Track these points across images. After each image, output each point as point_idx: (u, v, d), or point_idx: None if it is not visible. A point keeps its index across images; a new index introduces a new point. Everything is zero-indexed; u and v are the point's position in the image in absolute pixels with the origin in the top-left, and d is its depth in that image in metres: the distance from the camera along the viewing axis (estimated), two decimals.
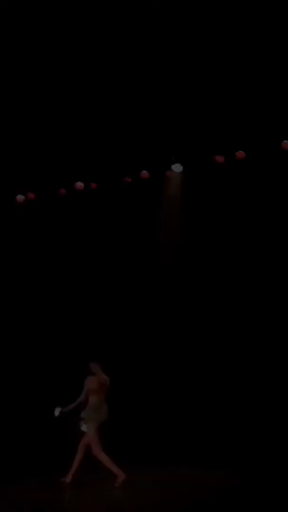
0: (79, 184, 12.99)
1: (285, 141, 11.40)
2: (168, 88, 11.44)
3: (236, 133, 11.61)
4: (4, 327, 13.31)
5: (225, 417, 11.63)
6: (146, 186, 12.65)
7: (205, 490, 9.87)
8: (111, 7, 10.42)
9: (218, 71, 11.05)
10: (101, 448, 9.92)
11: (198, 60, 11.04)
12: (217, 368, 11.81)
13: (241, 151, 11.74)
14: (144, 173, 12.59)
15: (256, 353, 11.48)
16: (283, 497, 9.25)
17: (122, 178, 12.71)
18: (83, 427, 9.98)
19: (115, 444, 10.11)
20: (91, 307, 12.64)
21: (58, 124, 12.30)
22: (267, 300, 11.57)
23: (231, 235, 11.91)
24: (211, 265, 12.06)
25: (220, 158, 11.94)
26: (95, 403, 10.00)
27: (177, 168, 12.33)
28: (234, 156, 11.79)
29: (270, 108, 11.16)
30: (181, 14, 10.61)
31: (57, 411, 10.04)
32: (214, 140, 11.84)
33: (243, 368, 11.61)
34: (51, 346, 13.00)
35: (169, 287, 12.27)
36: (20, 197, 13.51)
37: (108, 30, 11.03)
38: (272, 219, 11.62)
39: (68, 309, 12.81)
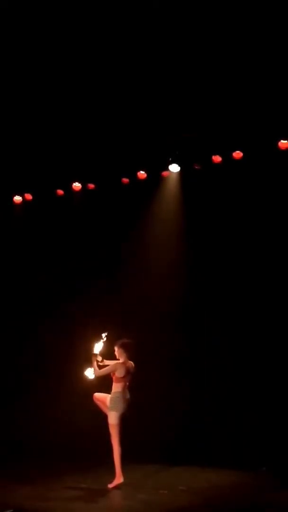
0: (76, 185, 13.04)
1: (282, 141, 11.44)
2: (165, 88, 11.45)
3: (233, 133, 11.62)
4: (4, 327, 13.33)
5: (228, 415, 11.70)
6: (143, 186, 12.66)
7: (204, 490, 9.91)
8: (111, 7, 10.44)
9: (215, 72, 11.06)
10: (120, 441, 9.90)
11: (195, 61, 11.05)
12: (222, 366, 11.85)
13: (238, 151, 11.76)
14: (141, 174, 12.61)
15: (259, 353, 11.50)
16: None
17: (119, 178, 12.72)
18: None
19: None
20: (91, 307, 12.64)
21: (55, 125, 12.29)
22: (267, 301, 11.59)
23: (229, 235, 11.93)
24: (209, 265, 12.08)
25: (217, 158, 11.96)
26: (119, 391, 9.95)
27: (174, 168, 12.33)
28: (231, 156, 11.82)
29: (267, 108, 11.17)
30: (178, 22, 10.65)
31: (89, 373, 10.01)
32: (212, 140, 11.85)
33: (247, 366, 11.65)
34: (48, 349, 13.03)
35: (168, 287, 12.27)
36: (17, 198, 13.54)
37: (105, 33, 11.05)
38: (270, 218, 11.64)
39: (67, 309, 12.82)
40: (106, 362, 10.16)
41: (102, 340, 10.19)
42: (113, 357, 10.20)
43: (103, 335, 10.20)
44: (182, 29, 10.69)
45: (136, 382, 10.24)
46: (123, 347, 10.09)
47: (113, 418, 9.92)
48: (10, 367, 13.19)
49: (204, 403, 11.82)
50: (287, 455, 10.79)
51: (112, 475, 10.00)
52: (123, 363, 10.03)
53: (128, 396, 10.04)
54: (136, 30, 10.77)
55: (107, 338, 10.23)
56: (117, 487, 9.90)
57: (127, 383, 10.05)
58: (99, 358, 10.12)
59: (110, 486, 9.93)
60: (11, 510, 8.78)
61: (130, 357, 10.11)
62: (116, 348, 10.11)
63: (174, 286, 12.19)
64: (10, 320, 13.34)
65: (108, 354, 10.27)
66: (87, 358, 10.26)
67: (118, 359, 10.09)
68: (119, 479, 9.93)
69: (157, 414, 11.89)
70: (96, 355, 10.10)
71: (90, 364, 10.13)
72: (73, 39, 11.05)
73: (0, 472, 10.85)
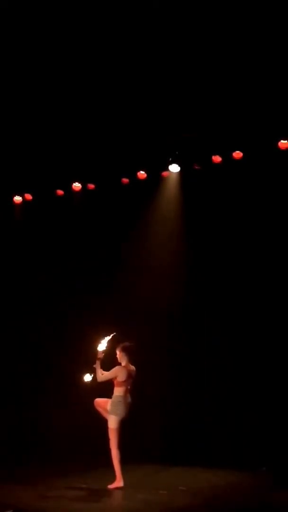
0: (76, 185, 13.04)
1: (281, 141, 11.44)
2: (165, 89, 11.44)
3: (233, 133, 11.62)
4: (4, 327, 13.33)
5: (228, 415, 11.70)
6: (143, 187, 12.66)
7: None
8: (111, 6, 10.43)
9: (215, 72, 11.06)
10: (118, 445, 9.84)
11: (195, 61, 11.05)
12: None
13: (238, 151, 11.77)
14: (141, 174, 12.61)
15: (259, 354, 11.50)
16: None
17: (119, 178, 12.72)
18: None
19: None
20: (90, 307, 12.63)
21: (55, 125, 12.28)
22: (267, 301, 11.60)
23: (229, 235, 11.93)
24: (209, 265, 12.08)
25: (217, 158, 11.97)
26: (120, 395, 9.86)
27: (174, 168, 12.34)
28: (231, 156, 11.82)
29: (266, 108, 11.17)
30: (178, 22, 10.64)
31: (87, 377, 9.97)
32: (211, 140, 11.86)
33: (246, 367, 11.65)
34: (47, 350, 13.02)
35: (168, 287, 12.26)
36: (17, 198, 13.54)
37: (106, 32, 11.04)
38: (270, 218, 11.64)
39: (67, 310, 12.81)
40: (105, 373, 10.04)
41: (105, 343, 10.12)
42: (114, 361, 10.11)
43: (107, 337, 10.12)
44: (182, 29, 10.68)
45: (136, 382, 10.21)
46: (125, 350, 9.99)
47: (112, 422, 9.84)
48: (10, 367, 13.18)
49: (204, 403, 11.82)
50: (287, 455, 10.80)
51: (112, 475, 9.97)
52: (125, 367, 9.95)
53: (129, 400, 9.94)
54: (136, 30, 10.76)
55: (109, 341, 10.13)
56: (117, 489, 9.87)
57: (129, 387, 9.97)
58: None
59: (110, 487, 9.90)
60: (11, 511, 8.77)
61: (131, 361, 10.05)
62: (117, 352, 10.03)
63: (174, 286, 12.18)
64: (10, 320, 13.33)
65: (109, 359, 10.19)
66: (86, 359, 10.23)
67: (120, 363, 10.03)
68: (119, 482, 9.85)
69: (157, 414, 11.88)
70: (100, 358, 10.01)
71: (92, 370, 10.02)
72: (73, 39, 11.04)
73: (0, 472, 10.83)
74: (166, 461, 11.28)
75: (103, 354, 10.04)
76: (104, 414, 9.99)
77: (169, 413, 11.88)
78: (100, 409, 10.03)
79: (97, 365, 9.99)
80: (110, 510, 9.23)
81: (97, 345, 10.09)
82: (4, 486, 9.97)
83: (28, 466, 11.36)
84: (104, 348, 10.08)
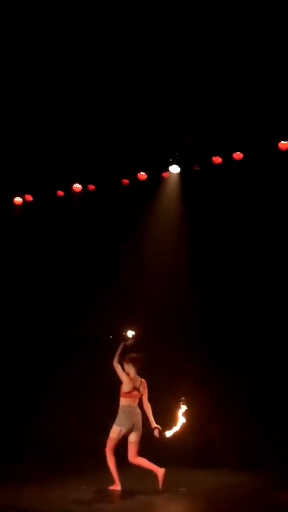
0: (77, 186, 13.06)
1: (282, 142, 11.47)
2: (165, 89, 11.46)
3: (234, 134, 11.65)
4: (3, 329, 13.34)
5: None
6: (144, 188, 12.68)
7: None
8: (111, 7, 10.45)
9: (215, 72, 11.07)
10: (113, 452, 9.79)
11: (195, 61, 11.06)
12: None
13: (238, 152, 11.78)
14: (142, 175, 12.63)
15: (260, 354, 11.51)
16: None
17: (120, 179, 12.74)
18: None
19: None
20: (89, 309, 12.64)
21: (55, 126, 12.30)
22: (268, 300, 11.61)
23: (230, 236, 11.95)
24: (210, 266, 12.09)
25: (217, 159, 11.99)
26: (125, 404, 9.79)
27: (174, 169, 12.36)
28: (232, 157, 11.84)
29: (267, 109, 11.19)
30: (178, 23, 10.66)
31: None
32: (212, 141, 11.87)
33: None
34: (46, 351, 13.03)
35: (168, 289, 12.27)
36: (17, 199, 13.56)
37: (105, 34, 11.05)
38: (271, 219, 11.66)
39: (66, 311, 12.82)
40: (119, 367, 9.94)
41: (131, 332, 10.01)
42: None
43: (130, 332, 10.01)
44: (182, 30, 10.69)
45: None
46: (132, 362, 9.86)
47: (113, 432, 9.73)
48: (9, 367, 13.19)
49: (204, 403, 11.81)
50: (287, 455, 10.80)
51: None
52: (131, 379, 9.81)
53: (137, 411, 9.79)
54: (136, 31, 10.77)
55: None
56: (115, 492, 9.85)
57: (135, 399, 9.82)
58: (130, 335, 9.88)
59: (110, 488, 9.90)
60: (11, 511, 8.77)
61: (140, 372, 9.89)
62: (124, 364, 9.89)
63: (174, 287, 12.20)
64: (9, 321, 13.33)
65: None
66: (85, 360, 10.20)
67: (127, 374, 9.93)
68: (117, 486, 9.84)
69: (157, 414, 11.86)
70: (124, 344, 9.86)
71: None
72: (73, 40, 11.05)
73: (0, 473, 10.84)
74: (166, 462, 11.26)
75: (128, 341, 9.91)
76: (150, 466, 9.86)
77: (169, 413, 11.87)
78: (141, 463, 9.86)
79: (119, 349, 9.85)
80: (110, 511, 9.23)
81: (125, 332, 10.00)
82: (4, 486, 9.97)
83: (29, 467, 11.35)
84: (129, 336, 9.95)
